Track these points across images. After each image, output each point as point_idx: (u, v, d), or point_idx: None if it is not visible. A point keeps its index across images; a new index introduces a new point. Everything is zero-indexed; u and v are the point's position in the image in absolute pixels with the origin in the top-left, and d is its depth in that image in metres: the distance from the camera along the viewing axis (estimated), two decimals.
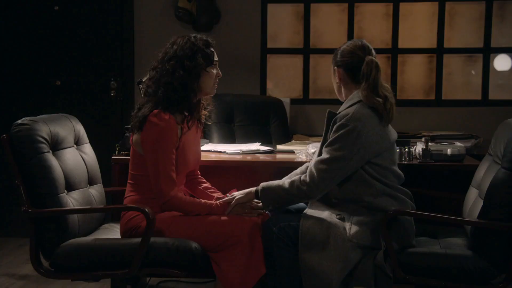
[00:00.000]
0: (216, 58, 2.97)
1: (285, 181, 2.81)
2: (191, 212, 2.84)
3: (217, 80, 2.99)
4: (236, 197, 2.87)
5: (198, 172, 3.17)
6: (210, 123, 3.15)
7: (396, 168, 2.84)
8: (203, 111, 3.04)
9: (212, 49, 2.95)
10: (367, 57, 2.80)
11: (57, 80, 5.29)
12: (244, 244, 2.76)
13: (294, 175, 3.00)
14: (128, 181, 2.96)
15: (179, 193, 2.85)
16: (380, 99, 2.75)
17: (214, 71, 2.96)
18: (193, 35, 2.94)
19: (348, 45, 2.88)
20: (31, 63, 5.30)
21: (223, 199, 2.92)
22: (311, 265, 2.69)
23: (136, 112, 2.89)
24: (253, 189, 2.87)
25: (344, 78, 2.87)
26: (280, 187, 2.80)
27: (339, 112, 2.80)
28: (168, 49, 2.90)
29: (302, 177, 2.76)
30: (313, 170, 2.73)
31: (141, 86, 3.09)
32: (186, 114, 2.90)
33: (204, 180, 3.16)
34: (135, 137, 2.89)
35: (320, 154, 2.82)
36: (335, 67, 2.89)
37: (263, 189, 2.83)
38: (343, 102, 2.89)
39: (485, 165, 2.89)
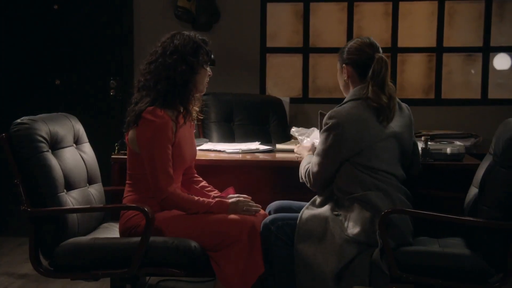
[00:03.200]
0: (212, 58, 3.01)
1: (307, 166, 2.92)
2: (190, 210, 2.84)
3: (208, 79, 3.01)
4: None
5: (195, 170, 3.17)
6: (201, 117, 3.15)
7: (390, 167, 2.81)
8: (194, 107, 3.04)
9: (210, 49, 2.98)
10: (377, 55, 2.83)
11: (57, 79, 5.29)
12: (243, 243, 2.76)
13: None
14: (127, 181, 2.97)
15: (177, 189, 2.85)
16: (385, 99, 2.78)
17: (208, 69, 2.98)
18: (189, 32, 2.96)
19: (355, 42, 2.90)
20: (30, 62, 5.30)
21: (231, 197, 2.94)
22: (306, 257, 2.71)
23: (132, 107, 2.89)
24: (306, 155, 3.08)
25: (352, 75, 2.89)
26: (303, 165, 2.97)
27: None
28: (167, 43, 2.90)
29: (308, 169, 2.89)
30: (310, 167, 2.89)
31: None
32: (181, 109, 2.90)
33: (201, 178, 3.16)
34: (130, 135, 2.89)
35: None
36: (344, 65, 2.90)
37: (301, 163, 3.01)
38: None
39: (486, 164, 2.88)
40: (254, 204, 2.91)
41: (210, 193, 3.07)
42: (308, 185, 2.92)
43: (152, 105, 2.82)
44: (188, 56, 2.87)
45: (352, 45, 2.89)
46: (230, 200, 2.89)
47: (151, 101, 2.83)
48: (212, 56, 3.02)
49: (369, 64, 2.82)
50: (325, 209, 2.79)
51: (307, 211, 2.83)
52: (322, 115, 2.92)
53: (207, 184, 3.14)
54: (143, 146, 2.82)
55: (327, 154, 2.79)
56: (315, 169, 2.84)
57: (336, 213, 2.77)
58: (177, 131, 2.88)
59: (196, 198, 2.88)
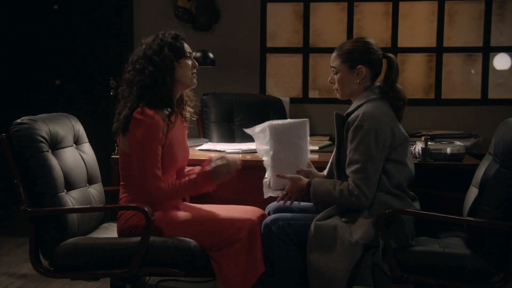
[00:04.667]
0: (188, 50, 2.93)
1: (335, 188, 2.73)
2: (181, 196, 2.86)
3: (194, 71, 2.95)
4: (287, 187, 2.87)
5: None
6: (195, 119, 3.13)
7: (411, 165, 2.85)
8: (187, 108, 3.02)
9: (182, 42, 2.91)
10: (389, 54, 2.85)
11: (57, 79, 5.29)
12: (244, 243, 2.76)
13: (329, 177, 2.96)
14: (121, 182, 2.95)
15: (162, 186, 2.79)
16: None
17: (189, 62, 2.92)
18: (162, 32, 2.92)
19: (363, 42, 2.84)
20: (31, 62, 5.30)
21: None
22: (319, 266, 2.69)
23: (117, 117, 2.88)
24: (305, 183, 2.83)
25: (365, 76, 2.83)
26: (330, 195, 2.75)
27: (347, 114, 2.81)
28: (138, 51, 2.89)
29: (350, 187, 2.69)
30: (356, 182, 2.68)
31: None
32: (169, 110, 2.88)
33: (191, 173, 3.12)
34: (121, 137, 2.88)
35: (337, 157, 2.84)
36: (359, 66, 2.81)
37: (314, 191, 2.79)
38: (344, 100, 2.90)
39: (485, 164, 2.89)
40: (232, 162, 2.86)
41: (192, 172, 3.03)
42: (362, 205, 2.69)
43: (137, 107, 2.81)
44: (153, 57, 2.83)
45: (361, 46, 2.82)
46: (208, 168, 2.84)
47: (133, 106, 2.81)
48: (188, 48, 2.93)
49: (380, 64, 2.83)
50: (333, 217, 2.78)
51: (315, 224, 2.76)
52: (339, 116, 2.85)
53: (192, 171, 3.06)
54: (133, 146, 2.80)
55: (378, 158, 2.68)
56: (367, 182, 2.67)
57: (343, 219, 2.76)
58: (168, 132, 2.86)
59: (182, 181, 2.83)
